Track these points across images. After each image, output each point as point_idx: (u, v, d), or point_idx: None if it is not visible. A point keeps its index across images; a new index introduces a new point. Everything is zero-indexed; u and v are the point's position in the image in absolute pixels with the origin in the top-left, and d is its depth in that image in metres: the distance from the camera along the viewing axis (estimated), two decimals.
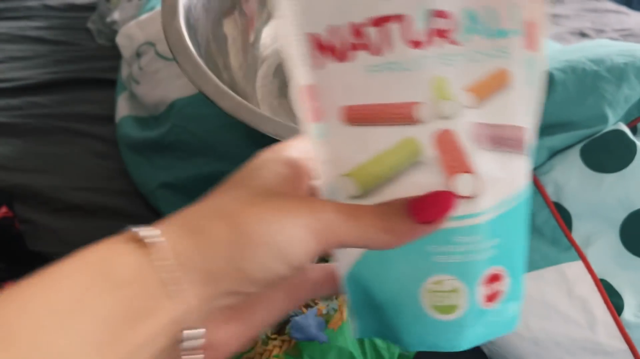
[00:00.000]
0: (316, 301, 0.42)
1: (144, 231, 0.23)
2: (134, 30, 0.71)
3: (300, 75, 0.27)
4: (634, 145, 0.44)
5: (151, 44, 0.67)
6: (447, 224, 0.27)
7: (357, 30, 0.27)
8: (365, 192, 0.28)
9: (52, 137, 0.73)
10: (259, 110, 0.41)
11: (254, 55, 0.59)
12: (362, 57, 0.27)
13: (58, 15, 1.02)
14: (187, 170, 0.58)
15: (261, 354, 0.39)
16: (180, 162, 0.59)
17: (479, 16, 0.28)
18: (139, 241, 0.22)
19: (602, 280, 0.42)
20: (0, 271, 0.48)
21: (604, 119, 0.45)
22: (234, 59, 0.56)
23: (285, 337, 0.40)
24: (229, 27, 0.56)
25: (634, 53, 0.47)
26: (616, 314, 0.40)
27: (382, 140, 0.27)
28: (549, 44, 0.62)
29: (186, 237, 0.23)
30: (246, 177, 0.27)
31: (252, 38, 0.60)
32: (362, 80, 0.27)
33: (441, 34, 0.27)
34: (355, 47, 0.27)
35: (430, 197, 0.27)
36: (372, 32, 0.27)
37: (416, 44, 0.27)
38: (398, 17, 0.27)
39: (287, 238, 0.24)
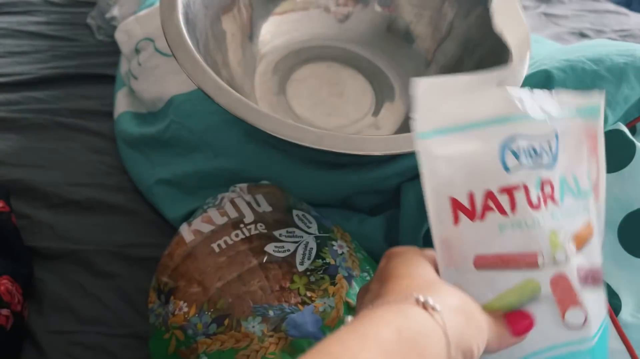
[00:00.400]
0: (312, 298, 0.42)
1: (427, 298, 0.28)
2: (133, 25, 0.71)
3: (439, 228, 0.35)
4: (632, 145, 0.44)
5: (150, 40, 0.67)
6: (565, 349, 0.34)
7: (491, 197, 0.35)
8: None
9: (50, 133, 0.73)
10: (257, 106, 0.41)
11: (252, 51, 0.59)
12: (493, 217, 0.35)
13: (58, 10, 1.02)
14: (184, 167, 0.57)
15: (257, 352, 0.39)
16: (178, 158, 0.59)
17: (567, 180, 0.36)
18: (424, 307, 0.28)
19: None
20: None
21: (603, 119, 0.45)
22: (233, 55, 0.56)
23: (281, 334, 0.40)
24: (228, 23, 0.56)
25: (634, 53, 0.47)
26: (614, 315, 0.40)
27: (507, 281, 0.34)
28: (548, 43, 0.62)
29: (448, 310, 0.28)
30: (411, 269, 0.33)
31: (251, 34, 0.59)
32: (492, 235, 0.35)
33: (548, 196, 0.35)
34: (488, 209, 0.35)
35: (518, 314, 0.34)
36: (502, 198, 0.35)
37: (534, 206, 0.34)
38: (521, 186, 0.34)
39: (487, 325, 0.30)
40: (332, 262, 0.44)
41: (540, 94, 0.36)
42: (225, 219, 0.47)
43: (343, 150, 0.40)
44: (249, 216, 0.47)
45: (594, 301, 0.35)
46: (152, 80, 0.64)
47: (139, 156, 0.63)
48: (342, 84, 0.59)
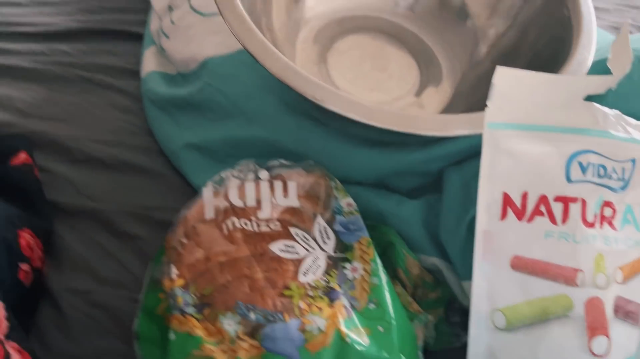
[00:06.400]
0: (304, 312, 0.37)
1: None
2: None
3: (484, 219, 0.35)
4: None
5: None
6: None
7: (544, 202, 0.35)
8: (511, 327, 0.34)
9: (74, 87, 0.70)
10: (307, 74, 0.38)
11: (296, 16, 0.56)
12: (541, 222, 0.35)
13: None
14: (215, 132, 0.55)
15: (224, 352, 0.36)
16: (209, 122, 0.56)
17: (634, 211, 0.35)
18: None
19: None
20: (17, 218, 0.46)
21: None
22: (277, 18, 0.53)
23: (255, 343, 0.36)
24: None
25: None
26: None
27: (540, 290, 0.34)
28: (606, 34, 0.59)
29: None
30: None
31: None
32: (536, 239, 0.34)
33: (606, 219, 0.35)
34: (538, 213, 0.35)
35: None
36: (556, 206, 0.34)
37: (588, 224, 0.34)
38: (579, 200, 0.34)
39: None
40: (337, 288, 0.40)
41: (632, 120, 0.36)
42: (240, 203, 0.44)
43: (395, 128, 0.37)
44: (265, 211, 0.43)
45: (624, 336, 0.34)
46: (186, 39, 0.61)
47: (166, 118, 0.61)
48: (385, 58, 0.57)
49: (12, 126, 0.62)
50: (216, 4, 0.42)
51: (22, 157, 0.54)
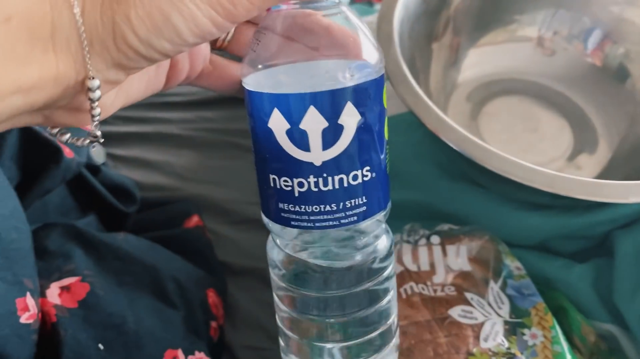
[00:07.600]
0: None
1: None
2: None
3: None
4: None
5: None
6: None
7: None
8: None
9: (221, 151, 0.76)
10: (485, 144, 0.40)
11: (451, 78, 0.59)
12: None
13: None
14: None
15: None
16: None
17: None
18: None
19: None
20: (203, 279, 0.50)
21: None
22: (433, 79, 0.56)
23: None
24: (436, 47, 0.56)
25: None
26: None
27: None
28: None
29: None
30: None
31: (454, 59, 0.59)
32: None
33: None
34: None
35: None
36: None
37: None
38: None
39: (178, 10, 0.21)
40: (518, 354, 0.40)
41: None
42: (415, 267, 0.46)
43: (578, 196, 0.38)
44: (439, 276, 0.45)
45: None
46: None
47: None
48: (536, 120, 0.58)
49: (177, 190, 0.68)
50: (390, 81, 0.45)
51: (195, 219, 0.59)
